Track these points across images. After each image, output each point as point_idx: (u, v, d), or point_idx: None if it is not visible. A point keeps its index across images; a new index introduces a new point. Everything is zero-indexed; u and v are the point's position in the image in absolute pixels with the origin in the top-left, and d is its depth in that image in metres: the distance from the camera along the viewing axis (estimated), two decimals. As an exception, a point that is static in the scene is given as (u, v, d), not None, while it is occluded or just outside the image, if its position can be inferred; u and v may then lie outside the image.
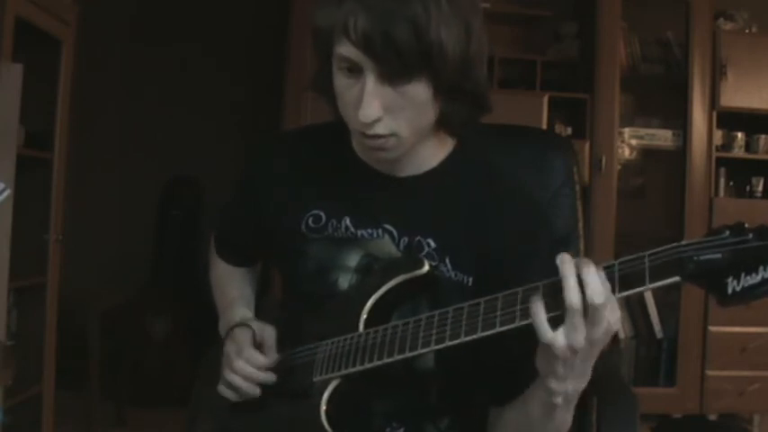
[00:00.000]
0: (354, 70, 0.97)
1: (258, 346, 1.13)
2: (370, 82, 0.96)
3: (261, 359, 1.11)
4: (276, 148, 1.23)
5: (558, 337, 0.84)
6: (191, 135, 4.13)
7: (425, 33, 0.92)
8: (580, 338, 0.84)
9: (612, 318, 0.84)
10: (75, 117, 2.94)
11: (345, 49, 0.96)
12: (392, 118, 0.99)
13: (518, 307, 0.88)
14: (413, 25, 0.92)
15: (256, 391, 1.11)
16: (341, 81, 1.00)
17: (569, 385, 0.91)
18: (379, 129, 0.99)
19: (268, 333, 1.14)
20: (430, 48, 0.93)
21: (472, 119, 1.07)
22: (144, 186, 4.09)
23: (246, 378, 1.10)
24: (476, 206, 1.09)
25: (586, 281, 0.82)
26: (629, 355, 3.37)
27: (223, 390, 1.14)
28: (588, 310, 0.83)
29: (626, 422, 1.26)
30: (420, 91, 0.97)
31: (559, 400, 0.92)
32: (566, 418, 0.98)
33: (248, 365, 1.10)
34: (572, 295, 0.83)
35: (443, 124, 1.06)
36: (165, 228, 4.10)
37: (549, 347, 0.86)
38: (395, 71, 0.95)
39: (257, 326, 1.16)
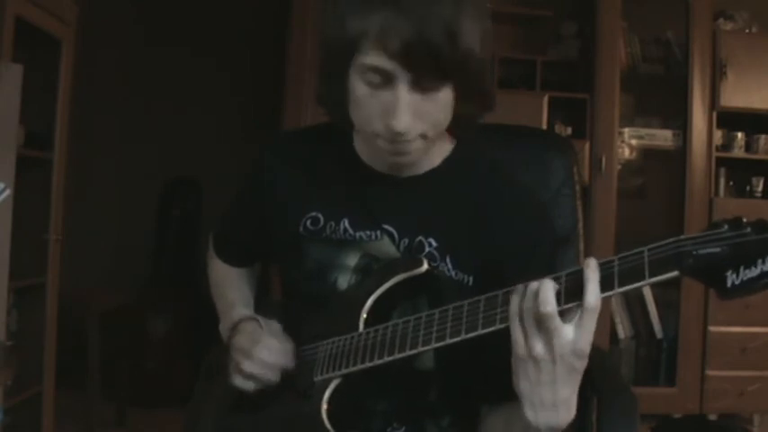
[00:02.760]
0: (384, 80, 0.97)
1: (270, 334, 1.13)
2: (404, 91, 0.96)
3: (277, 343, 1.11)
4: (276, 148, 1.23)
5: (519, 336, 0.86)
6: (191, 135, 4.13)
7: (459, 39, 0.93)
8: (537, 346, 0.85)
9: (580, 337, 0.84)
10: (75, 117, 2.94)
11: (377, 60, 0.95)
12: (420, 123, 0.99)
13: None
14: (448, 32, 0.93)
15: (277, 377, 1.10)
16: (363, 90, 0.99)
17: (540, 416, 0.88)
18: (409, 135, 1.00)
19: (275, 325, 1.15)
20: (463, 53, 0.94)
21: (480, 118, 1.08)
22: (144, 186, 4.09)
23: (267, 366, 1.10)
24: (476, 205, 1.10)
25: (540, 290, 0.84)
26: (629, 355, 3.37)
27: (240, 382, 1.12)
28: (540, 318, 0.84)
29: (626, 422, 1.25)
30: (447, 95, 0.99)
31: None
32: None
33: (268, 352, 1.10)
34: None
35: (455, 125, 1.06)
36: (165, 228, 4.10)
37: (513, 345, 0.87)
38: (428, 79, 0.96)
39: (263, 320, 1.17)
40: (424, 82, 0.96)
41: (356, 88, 1.00)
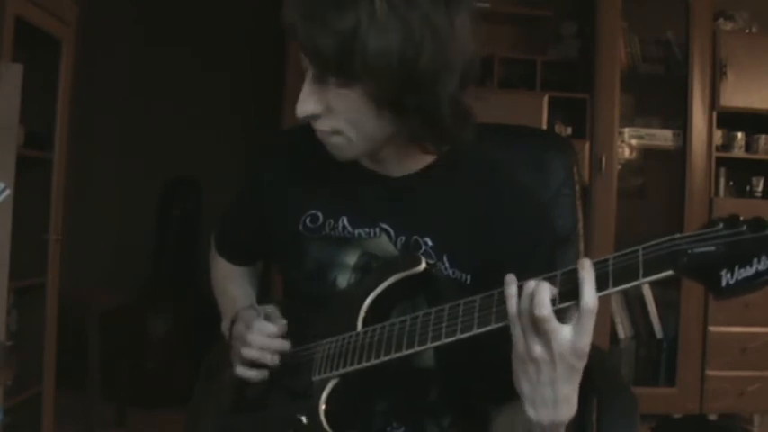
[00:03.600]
0: (303, 66, 1.00)
1: (265, 317, 1.14)
2: (308, 79, 1.00)
3: (271, 327, 1.11)
4: (276, 147, 1.23)
5: (519, 336, 0.86)
6: (191, 135, 4.14)
7: (353, 48, 0.92)
8: (535, 347, 0.85)
9: (579, 337, 0.84)
10: (75, 117, 2.94)
11: (297, 46, 0.98)
12: (332, 117, 1.01)
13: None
14: (340, 38, 0.92)
15: (275, 359, 1.10)
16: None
17: (542, 414, 0.88)
18: (320, 125, 1.02)
19: (271, 308, 1.15)
20: (360, 61, 0.93)
21: (428, 137, 1.05)
22: (144, 186, 4.09)
23: (262, 347, 1.10)
24: (476, 205, 1.09)
25: (536, 292, 0.84)
26: (629, 355, 3.37)
27: (241, 370, 1.12)
28: (537, 320, 0.84)
29: (626, 422, 1.25)
30: (355, 98, 0.98)
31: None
32: None
33: (261, 335, 1.10)
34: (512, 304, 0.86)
35: (402, 138, 1.05)
36: (165, 228, 4.10)
37: (514, 345, 0.87)
38: (328, 76, 0.97)
39: (260, 306, 1.17)
40: (325, 77, 0.98)
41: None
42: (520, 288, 0.87)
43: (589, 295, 0.82)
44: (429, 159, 1.11)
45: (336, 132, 1.02)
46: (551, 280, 0.86)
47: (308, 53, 0.96)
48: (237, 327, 1.15)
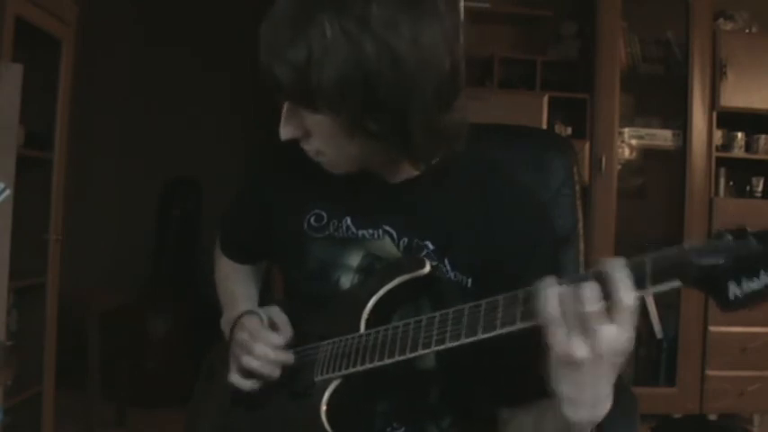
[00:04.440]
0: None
1: (270, 326, 1.13)
2: (286, 105, 1.01)
3: (278, 338, 1.10)
4: (280, 146, 1.23)
5: (560, 341, 0.83)
6: (191, 135, 4.14)
7: (308, 78, 0.92)
8: (581, 348, 0.82)
9: (621, 335, 0.82)
10: (75, 117, 2.94)
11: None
12: (312, 140, 1.03)
13: (519, 309, 0.87)
14: (293, 68, 0.93)
15: (276, 372, 1.09)
16: None
17: (581, 413, 0.86)
18: (305, 145, 1.04)
19: (276, 313, 1.14)
20: (316, 91, 0.93)
21: (405, 158, 1.04)
22: (144, 186, 4.09)
23: (267, 361, 1.09)
24: (475, 206, 1.09)
25: (583, 290, 0.82)
26: (629, 355, 3.37)
27: (236, 379, 1.12)
28: (586, 318, 0.82)
29: (626, 422, 1.25)
30: (322, 122, 0.98)
31: (574, 430, 0.89)
32: None
33: (266, 346, 1.09)
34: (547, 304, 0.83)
35: (385, 156, 1.05)
36: (165, 228, 4.10)
37: (552, 349, 0.84)
38: (294, 101, 0.99)
39: (264, 311, 1.16)
40: (292, 103, 1.00)
41: None
42: (560, 289, 0.84)
43: (625, 293, 0.81)
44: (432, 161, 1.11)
45: (319, 153, 1.04)
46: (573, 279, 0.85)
47: (267, 83, 0.97)
48: (240, 334, 1.14)
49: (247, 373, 1.11)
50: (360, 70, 0.91)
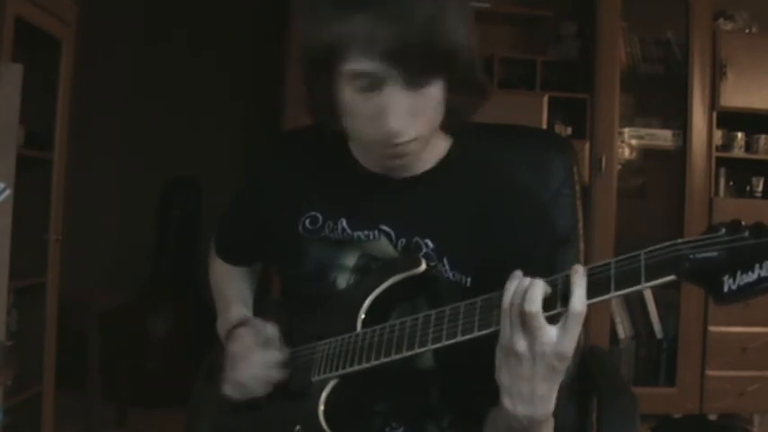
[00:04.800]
0: (373, 83, 0.96)
1: (264, 343, 1.13)
2: (395, 92, 0.96)
3: (272, 356, 1.10)
4: (276, 148, 1.23)
5: (506, 329, 0.87)
6: (191, 135, 4.14)
7: (444, 33, 0.94)
8: (520, 342, 0.86)
9: (563, 340, 0.85)
10: (75, 117, 2.94)
11: (364, 65, 0.95)
12: (415, 122, 0.99)
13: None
14: (432, 27, 0.93)
15: (269, 389, 1.10)
16: (353, 97, 0.99)
17: (518, 407, 0.90)
18: (406, 136, 0.99)
19: (271, 330, 1.14)
20: (449, 46, 0.95)
21: (476, 109, 1.08)
22: (144, 186, 4.09)
23: (258, 379, 1.10)
24: (476, 205, 1.09)
25: (529, 289, 0.85)
26: (629, 355, 3.37)
27: (230, 390, 1.13)
28: (525, 316, 0.85)
29: (626, 422, 1.26)
30: (437, 90, 0.99)
31: (514, 424, 0.92)
32: None
33: (259, 367, 1.10)
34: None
35: (450, 118, 1.06)
36: (165, 228, 4.10)
37: (499, 340, 0.88)
38: (417, 77, 0.96)
39: (259, 324, 1.16)
40: (413, 80, 0.96)
41: (345, 95, 1.00)
42: (518, 283, 0.88)
43: (578, 299, 0.83)
44: (434, 158, 1.11)
45: (414, 140, 1.01)
46: (551, 282, 0.87)
47: (402, 55, 0.93)
48: (234, 347, 1.14)
49: (239, 386, 1.11)
50: (468, 20, 1.00)
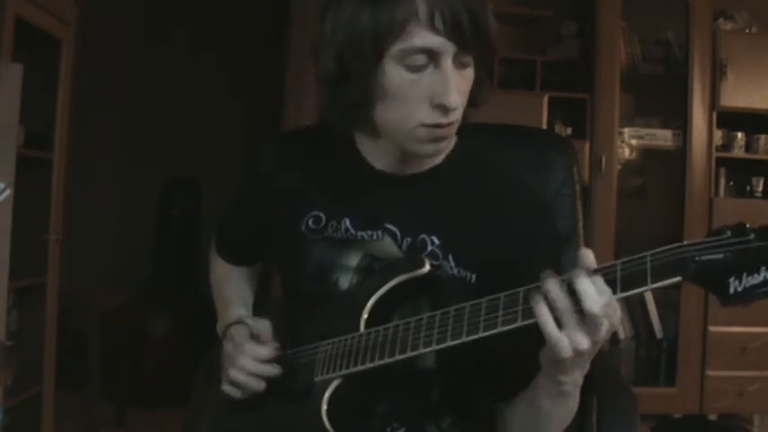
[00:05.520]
0: (428, 60, 0.98)
1: (255, 339, 1.13)
2: (451, 68, 0.99)
3: (261, 351, 1.11)
4: (278, 148, 1.23)
5: (563, 339, 0.86)
6: (191, 135, 4.13)
7: (486, 14, 0.99)
8: (584, 342, 0.85)
9: (614, 318, 0.86)
10: (75, 117, 2.94)
11: (425, 39, 0.96)
12: (463, 101, 1.03)
13: (520, 307, 0.88)
14: (479, 6, 0.98)
15: (261, 385, 1.10)
16: (404, 77, 0.99)
17: (577, 374, 0.94)
18: (456, 114, 1.02)
19: (263, 326, 1.14)
20: (488, 27, 0.99)
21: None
22: (144, 186, 4.09)
23: (250, 373, 1.10)
24: (479, 203, 1.10)
25: (583, 290, 0.83)
26: (629, 355, 3.37)
27: (228, 389, 1.13)
28: (586, 317, 0.84)
29: (626, 422, 1.26)
30: (472, 73, 1.03)
31: (568, 387, 0.95)
32: (575, 399, 1.00)
33: (250, 360, 1.10)
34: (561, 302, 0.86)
35: (470, 104, 1.07)
36: (165, 228, 4.10)
37: (555, 347, 0.86)
38: (467, 53, 0.99)
39: (252, 321, 1.17)
40: (463, 56, 0.99)
41: (392, 79, 0.99)
42: (551, 290, 0.87)
43: (593, 299, 0.84)
44: (438, 157, 1.11)
45: (457, 120, 1.03)
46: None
47: (465, 29, 0.96)
48: (228, 346, 1.15)
49: (233, 382, 1.12)
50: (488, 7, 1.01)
